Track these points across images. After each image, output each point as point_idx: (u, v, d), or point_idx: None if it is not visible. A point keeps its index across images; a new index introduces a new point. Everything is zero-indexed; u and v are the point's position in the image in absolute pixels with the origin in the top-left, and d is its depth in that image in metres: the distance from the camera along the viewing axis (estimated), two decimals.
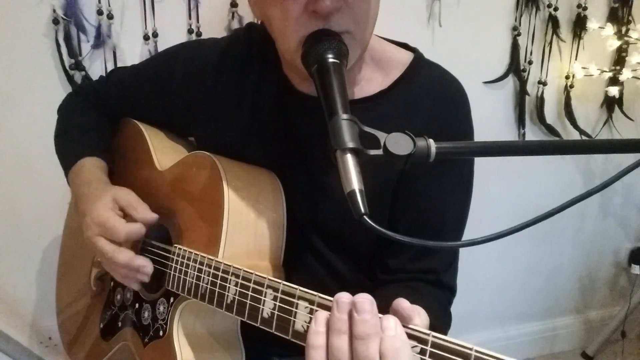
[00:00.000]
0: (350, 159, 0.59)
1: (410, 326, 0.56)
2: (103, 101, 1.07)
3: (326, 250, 0.92)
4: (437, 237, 0.89)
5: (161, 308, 0.86)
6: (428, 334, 0.54)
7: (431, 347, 0.53)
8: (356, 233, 0.90)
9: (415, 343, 0.54)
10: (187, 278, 0.80)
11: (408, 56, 0.91)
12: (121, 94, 1.06)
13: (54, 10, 1.25)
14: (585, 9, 1.65)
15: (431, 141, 0.60)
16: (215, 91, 0.94)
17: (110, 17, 1.28)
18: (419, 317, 0.58)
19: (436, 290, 0.87)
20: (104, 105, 1.07)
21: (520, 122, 1.72)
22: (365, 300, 0.54)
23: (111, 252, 0.84)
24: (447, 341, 0.53)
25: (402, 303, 0.58)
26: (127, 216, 0.87)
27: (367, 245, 0.92)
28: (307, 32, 0.73)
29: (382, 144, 0.60)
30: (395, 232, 0.88)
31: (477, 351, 0.51)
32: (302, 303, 0.63)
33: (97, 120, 1.07)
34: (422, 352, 0.54)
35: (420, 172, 0.86)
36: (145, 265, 0.84)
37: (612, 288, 2.12)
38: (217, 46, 0.96)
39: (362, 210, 0.57)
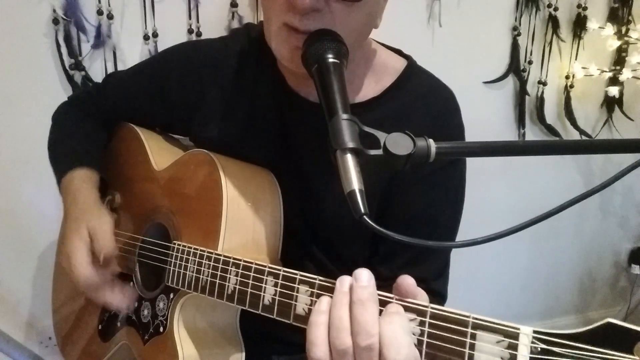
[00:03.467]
0: (350, 159, 0.59)
1: (409, 300, 0.57)
2: (100, 107, 1.07)
3: (318, 250, 0.92)
4: (437, 248, 0.89)
5: (161, 305, 0.86)
6: (427, 306, 0.56)
7: (430, 318, 0.55)
8: (348, 235, 0.90)
9: (414, 316, 0.56)
10: (187, 272, 0.80)
11: (401, 63, 0.91)
12: (119, 97, 1.05)
13: (54, 10, 1.25)
14: (585, 9, 1.65)
15: (431, 141, 0.60)
16: (212, 91, 0.94)
17: (110, 17, 1.28)
18: (422, 297, 0.59)
19: (427, 296, 0.88)
20: (101, 111, 1.07)
21: (520, 122, 1.72)
22: (363, 271, 0.58)
23: (85, 289, 0.86)
24: (445, 311, 0.54)
25: (407, 279, 0.59)
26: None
27: (359, 247, 0.92)
28: (285, 20, 0.74)
29: (382, 144, 0.60)
30: (383, 242, 0.88)
31: (474, 317, 0.52)
32: (302, 287, 0.64)
33: (91, 128, 1.06)
34: (422, 323, 0.55)
35: (410, 184, 0.86)
36: (117, 306, 0.88)
37: (612, 288, 2.12)
38: (213, 46, 0.97)
39: (362, 210, 0.57)
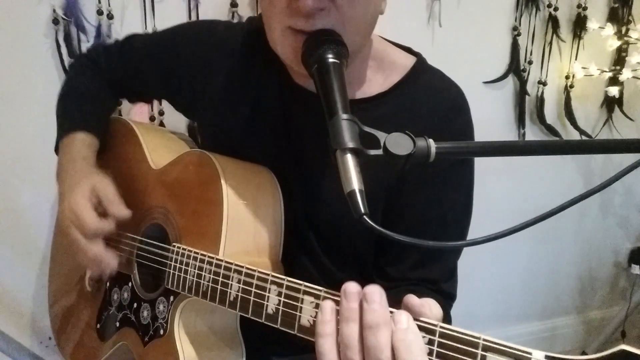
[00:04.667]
0: (350, 159, 0.59)
1: (418, 318, 0.56)
2: (113, 69, 1.05)
3: (319, 250, 0.92)
4: (436, 248, 0.88)
5: (161, 307, 0.86)
6: (436, 325, 0.55)
7: (439, 337, 0.54)
8: (350, 234, 0.90)
9: (423, 334, 0.55)
10: (188, 276, 0.80)
11: (410, 60, 0.91)
12: (132, 64, 1.03)
13: (54, 10, 1.25)
14: (585, 9, 1.65)
15: (431, 141, 0.60)
16: (219, 76, 0.93)
17: (110, 17, 1.28)
18: (430, 311, 0.58)
19: (436, 296, 0.87)
20: (114, 73, 1.05)
21: (520, 122, 1.72)
22: (375, 291, 0.55)
23: (83, 245, 0.84)
24: (454, 331, 0.53)
25: (411, 299, 0.58)
26: (102, 208, 0.87)
27: (361, 247, 0.92)
28: (289, 24, 0.73)
29: (382, 144, 0.60)
30: (391, 244, 0.88)
31: (484, 339, 0.51)
32: (307, 298, 0.63)
33: (101, 90, 1.05)
34: (431, 342, 0.54)
35: (418, 183, 0.86)
36: (109, 262, 0.86)
37: (612, 288, 2.12)
38: (230, 31, 0.96)
39: (362, 210, 0.57)
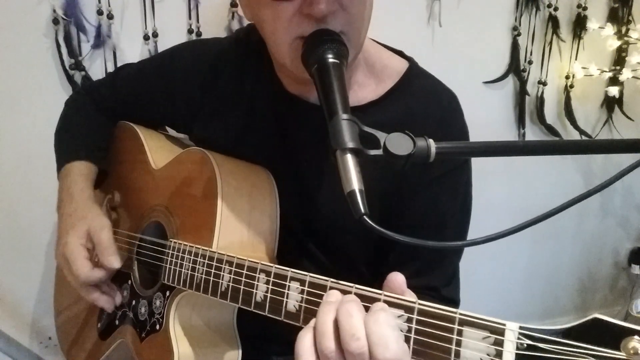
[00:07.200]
0: (350, 159, 0.60)
1: (397, 296, 0.57)
2: (109, 99, 1.07)
3: (318, 252, 0.92)
4: (436, 254, 0.89)
5: (157, 302, 0.87)
6: (414, 302, 0.56)
7: (417, 314, 0.55)
8: (346, 236, 0.90)
9: (402, 312, 0.56)
10: (183, 270, 0.81)
11: (403, 65, 0.91)
12: (126, 91, 1.05)
13: (54, 10, 1.24)
14: (585, 9, 1.65)
15: (431, 141, 0.61)
16: (214, 91, 0.94)
17: (110, 17, 1.28)
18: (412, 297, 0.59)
19: (438, 302, 0.87)
20: (110, 103, 1.07)
21: (520, 122, 1.72)
22: (351, 295, 0.59)
23: (79, 288, 0.89)
24: (432, 307, 0.54)
25: (397, 276, 0.59)
26: (95, 254, 0.88)
27: (359, 248, 0.92)
28: (299, 33, 0.73)
29: (382, 144, 0.60)
30: (391, 250, 0.88)
31: (461, 314, 0.53)
32: (293, 284, 0.65)
33: (97, 120, 1.07)
34: (409, 320, 0.55)
35: (416, 188, 0.86)
36: (104, 306, 0.92)
37: (612, 288, 2.12)
38: (218, 46, 0.97)
39: (362, 210, 0.57)
